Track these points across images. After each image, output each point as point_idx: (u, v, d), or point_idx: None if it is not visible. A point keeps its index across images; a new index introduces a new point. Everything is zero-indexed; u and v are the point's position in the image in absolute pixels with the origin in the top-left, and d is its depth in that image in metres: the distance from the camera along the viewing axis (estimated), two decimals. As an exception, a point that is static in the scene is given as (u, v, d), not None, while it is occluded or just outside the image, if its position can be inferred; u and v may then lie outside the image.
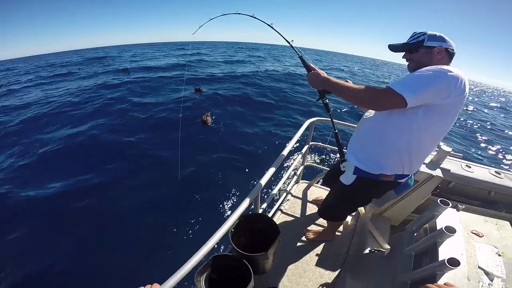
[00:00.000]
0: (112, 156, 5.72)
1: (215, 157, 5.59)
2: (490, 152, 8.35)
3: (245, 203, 1.23)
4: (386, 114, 1.17)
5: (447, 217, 1.05)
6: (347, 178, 1.40)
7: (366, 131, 1.32)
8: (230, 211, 3.78)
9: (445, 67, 1.02)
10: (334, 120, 1.62)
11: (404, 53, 1.26)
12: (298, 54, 1.51)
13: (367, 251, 1.78)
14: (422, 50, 1.18)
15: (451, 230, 0.91)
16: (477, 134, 10.15)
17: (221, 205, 4.08)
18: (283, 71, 18.52)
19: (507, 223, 1.07)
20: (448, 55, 1.16)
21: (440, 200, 1.02)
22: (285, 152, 1.64)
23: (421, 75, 1.04)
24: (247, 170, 5.07)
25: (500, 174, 1.79)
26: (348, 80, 1.59)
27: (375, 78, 27.39)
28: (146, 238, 3.52)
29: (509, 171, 1.87)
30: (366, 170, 1.29)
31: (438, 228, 1.01)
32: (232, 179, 4.74)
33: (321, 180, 2.49)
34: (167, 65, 21.93)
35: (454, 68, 1.04)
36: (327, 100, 1.43)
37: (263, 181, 1.36)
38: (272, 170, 1.41)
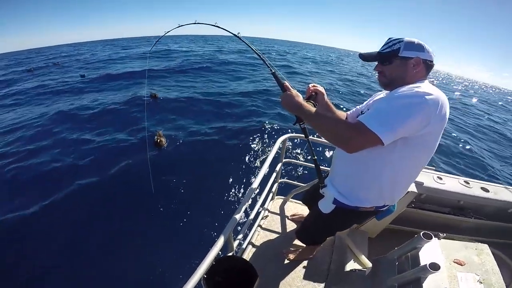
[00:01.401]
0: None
1: (181, 181, 5.02)
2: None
3: (219, 243, 1.11)
4: None
5: (430, 247, 1.02)
6: (326, 207, 1.31)
7: (343, 164, 1.24)
8: (214, 233, 3.53)
9: (422, 88, 0.90)
10: (311, 137, 1.52)
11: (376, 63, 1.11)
12: (271, 70, 1.30)
13: (348, 269, 1.75)
14: (397, 62, 1.02)
15: (435, 267, 0.86)
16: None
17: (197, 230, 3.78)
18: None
19: (486, 246, 1.07)
20: (426, 68, 1.02)
21: (423, 234, 0.98)
22: (258, 179, 1.52)
23: (397, 105, 0.89)
24: (218, 185, 4.80)
25: (469, 183, 1.86)
26: (345, 113, 1.44)
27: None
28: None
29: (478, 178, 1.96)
30: (345, 202, 1.21)
31: (421, 262, 0.97)
32: (206, 198, 4.49)
33: (296, 195, 2.44)
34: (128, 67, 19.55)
35: (431, 86, 0.93)
36: (304, 124, 1.27)
37: (237, 216, 1.24)
38: (244, 206, 1.30)
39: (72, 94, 12.01)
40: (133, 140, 6.44)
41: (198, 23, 1.56)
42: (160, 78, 14.17)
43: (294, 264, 1.87)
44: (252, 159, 5.87)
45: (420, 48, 1.00)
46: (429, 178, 1.84)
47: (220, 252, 1.13)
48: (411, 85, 0.94)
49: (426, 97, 0.86)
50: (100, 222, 3.96)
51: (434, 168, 1.92)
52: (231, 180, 5.01)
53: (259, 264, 1.84)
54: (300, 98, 1.13)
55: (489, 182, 1.94)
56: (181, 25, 1.56)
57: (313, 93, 1.33)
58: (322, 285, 1.74)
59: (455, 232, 2.06)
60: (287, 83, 1.22)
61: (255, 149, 6.33)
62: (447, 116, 0.92)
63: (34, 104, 10.89)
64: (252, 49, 1.43)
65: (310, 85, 1.35)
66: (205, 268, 1.02)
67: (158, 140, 5.79)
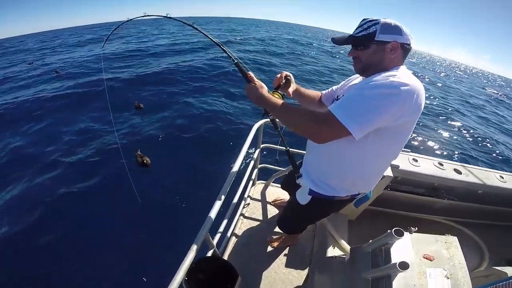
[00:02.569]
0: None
1: (158, 180, 4.89)
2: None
3: (196, 245, 1.11)
4: None
5: (401, 243, 1.04)
6: (302, 198, 1.32)
7: (315, 154, 1.22)
8: (194, 231, 3.38)
9: (397, 77, 0.84)
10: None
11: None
12: (233, 60, 1.22)
13: (329, 254, 1.81)
14: (373, 47, 0.95)
15: (404, 267, 0.89)
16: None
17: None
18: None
19: (455, 239, 1.10)
20: (404, 52, 0.96)
21: (394, 230, 0.99)
22: (235, 167, 1.51)
23: (370, 96, 0.84)
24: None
25: (442, 165, 1.90)
26: (319, 92, 1.39)
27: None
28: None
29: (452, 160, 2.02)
30: (320, 192, 1.21)
31: (392, 259, 1.00)
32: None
33: (277, 179, 2.47)
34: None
35: (407, 75, 0.88)
36: (273, 116, 1.25)
37: (213, 213, 1.22)
38: (219, 203, 1.27)
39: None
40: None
41: (147, 16, 1.39)
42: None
43: (278, 251, 1.92)
44: (230, 148, 5.80)
45: (397, 30, 0.92)
46: (404, 160, 1.87)
47: (198, 253, 1.13)
48: (386, 73, 0.88)
49: (402, 87, 0.81)
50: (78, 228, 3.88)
51: (409, 150, 1.94)
52: (210, 173, 4.96)
53: (243, 253, 1.88)
54: (264, 89, 1.08)
55: (463, 163, 2.00)
56: (130, 19, 1.40)
57: (282, 83, 1.26)
58: (306, 270, 1.81)
59: (430, 212, 2.16)
60: (251, 74, 1.16)
61: (233, 137, 6.23)
62: (423, 106, 0.88)
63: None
64: (211, 39, 1.32)
65: (281, 74, 1.28)
66: (184, 271, 1.02)
67: (145, 161, 5.32)
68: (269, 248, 1.94)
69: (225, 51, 1.28)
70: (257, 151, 2.18)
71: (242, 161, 1.58)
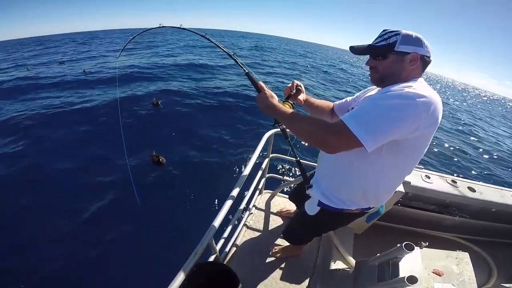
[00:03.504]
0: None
1: (166, 183, 4.94)
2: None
3: (199, 249, 1.11)
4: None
5: (410, 257, 1.01)
6: (311, 209, 1.28)
7: (327, 165, 1.20)
8: (198, 235, 3.35)
9: (414, 88, 0.81)
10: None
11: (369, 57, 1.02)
12: (245, 70, 1.24)
13: (333, 267, 1.77)
14: (392, 57, 0.93)
15: (412, 281, 0.86)
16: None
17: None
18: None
19: (466, 255, 1.07)
20: (423, 65, 0.94)
21: (405, 245, 0.96)
22: (244, 176, 1.51)
23: (385, 107, 0.81)
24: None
25: (456, 183, 1.86)
26: (330, 103, 1.38)
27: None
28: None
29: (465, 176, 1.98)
30: (330, 205, 1.18)
31: (401, 273, 0.97)
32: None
33: (284, 190, 2.46)
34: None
35: (425, 86, 0.85)
36: (283, 125, 1.25)
37: (219, 219, 1.21)
38: (225, 209, 1.27)
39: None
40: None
41: (163, 27, 1.43)
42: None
43: (280, 261, 1.88)
44: (240, 156, 5.84)
45: (418, 42, 0.91)
46: (416, 177, 1.84)
47: (200, 258, 1.13)
48: (402, 84, 0.87)
49: (418, 99, 0.78)
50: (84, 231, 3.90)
51: (421, 167, 1.91)
52: (218, 178, 5.00)
53: (245, 261, 1.85)
54: (274, 99, 1.08)
55: (476, 181, 1.95)
56: (147, 29, 1.48)
57: (292, 92, 1.28)
58: (307, 281, 1.76)
59: (439, 229, 2.09)
60: (261, 83, 1.17)
61: (243, 145, 6.28)
62: (440, 119, 0.85)
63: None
64: (223, 50, 1.36)
65: (292, 84, 1.29)
66: (185, 274, 1.01)
67: (160, 159, 5.47)
68: (272, 258, 1.90)
69: (236, 62, 1.30)
70: (266, 160, 2.18)
71: (251, 170, 1.59)
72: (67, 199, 4.46)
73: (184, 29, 1.41)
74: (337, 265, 1.78)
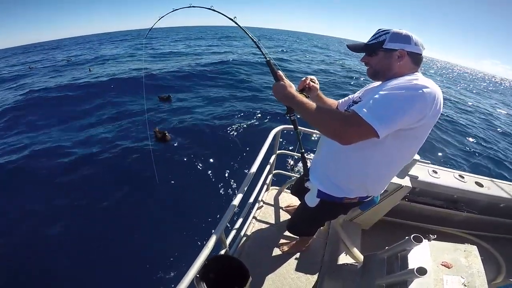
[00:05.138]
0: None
1: (177, 178, 4.98)
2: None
3: (211, 243, 1.13)
4: None
5: (419, 249, 1.03)
6: (311, 200, 1.33)
7: (327, 154, 1.23)
8: (208, 228, 3.49)
9: (419, 80, 0.88)
10: (302, 128, 1.50)
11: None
12: (266, 58, 1.25)
13: (340, 261, 1.79)
14: (381, 54, 1.02)
15: (422, 272, 0.87)
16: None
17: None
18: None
19: (475, 248, 1.08)
20: (413, 60, 1.00)
21: (413, 237, 0.98)
22: (252, 172, 1.54)
23: (394, 97, 0.85)
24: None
25: (463, 178, 1.86)
26: (336, 101, 1.43)
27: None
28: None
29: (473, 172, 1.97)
30: (329, 193, 1.22)
31: (409, 265, 0.99)
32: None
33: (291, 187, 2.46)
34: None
35: (427, 79, 0.90)
36: (294, 116, 1.27)
37: (229, 214, 1.24)
38: (235, 204, 1.29)
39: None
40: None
41: (192, 6, 1.44)
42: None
43: (288, 255, 1.91)
44: (247, 152, 5.87)
45: (406, 40, 0.98)
46: (424, 172, 1.84)
47: (212, 251, 1.15)
48: (408, 77, 0.93)
49: (424, 89, 0.84)
50: (98, 218, 4.01)
51: (429, 162, 1.91)
52: (226, 173, 5.05)
53: (253, 256, 1.88)
54: (293, 88, 1.10)
55: (484, 176, 1.95)
56: (175, 9, 1.48)
57: (307, 86, 1.31)
58: (315, 276, 1.78)
59: (447, 224, 2.09)
60: (280, 73, 1.18)
61: (251, 142, 6.30)
62: (441, 111, 0.91)
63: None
64: (248, 35, 1.35)
65: (307, 78, 1.32)
66: (197, 268, 1.03)
67: (165, 134, 5.57)
68: (279, 253, 1.93)
69: (259, 48, 1.31)
70: (273, 156, 2.20)
71: (258, 166, 1.61)
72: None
73: (214, 10, 1.40)
74: (345, 259, 1.80)
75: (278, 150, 2.24)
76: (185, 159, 5.48)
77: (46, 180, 4.84)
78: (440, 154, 7.09)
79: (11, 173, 5.15)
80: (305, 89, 1.31)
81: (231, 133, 6.68)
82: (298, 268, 1.83)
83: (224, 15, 1.40)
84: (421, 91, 0.84)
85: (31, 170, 5.16)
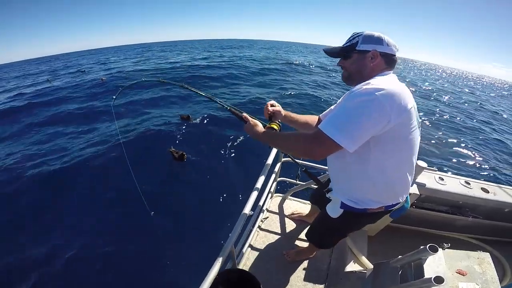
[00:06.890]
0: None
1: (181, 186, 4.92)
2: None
3: (222, 257, 1.12)
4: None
5: (434, 258, 1.03)
6: (334, 211, 1.28)
7: (332, 169, 1.22)
8: (215, 240, 3.25)
9: (371, 84, 0.87)
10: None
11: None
12: (227, 108, 1.37)
13: (348, 269, 1.78)
14: (355, 55, 1.03)
15: (439, 281, 0.87)
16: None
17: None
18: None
19: (487, 255, 1.09)
20: (386, 61, 1.01)
21: (429, 246, 0.98)
22: (259, 182, 1.54)
23: (349, 107, 0.87)
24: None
25: (469, 184, 1.89)
26: (315, 116, 1.45)
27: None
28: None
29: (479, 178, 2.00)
30: (352, 206, 1.17)
31: (426, 274, 0.99)
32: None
33: (295, 193, 2.48)
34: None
35: (384, 80, 0.90)
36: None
37: (239, 226, 1.23)
38: (244, 216, 1.30)
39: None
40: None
41: (145, 80, 1.84)
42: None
43: (294, 264, 1.88)
44: (252, 161, 5.79)
45: (378, 41, 1.00)
46: (430, 179, 1.87)
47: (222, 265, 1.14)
48: (362, 83, 0.92)
49: (377, 93, 0.83)
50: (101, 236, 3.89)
51: (436, 169, 1.93)
52: (229, 181, 5.00)
53: (259, 266, 1.86)
54: (258, 126, 1.19)
55: (489, 182, 1.97)
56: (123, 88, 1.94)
57: (271, 113, 1.35)
58: (322, 285, 1.76)
59: (452, 230, 2.11)
60: (245, 114, 1.29)
61: (255, 151, 6.23)
62: (409, 106, 0.88)
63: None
64: (201, 94, 1.52)
65: (267, 105, 1.36)
66: (209, 284, 1.01)
67: (183, 154, 5.38)
68: (285, 261, 1.90)
69: (217, 102, 1.44)
70: (278, 164, 2.20)
71: (265, 176, 1.61)
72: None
73: (163, 82, 1.62)
74: (352, 267, 1.79)
75: (283, 158, 2.23)
76: (187, 167, 5.45)
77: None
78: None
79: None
80: (272, 116, 1.34)
81: (235, 143, 6.65)
82: (305, 277, 1.81)
83: (173, 83, 1.62)
84: (373, 95, 0.83)
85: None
